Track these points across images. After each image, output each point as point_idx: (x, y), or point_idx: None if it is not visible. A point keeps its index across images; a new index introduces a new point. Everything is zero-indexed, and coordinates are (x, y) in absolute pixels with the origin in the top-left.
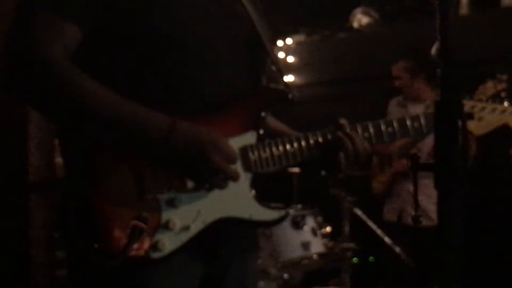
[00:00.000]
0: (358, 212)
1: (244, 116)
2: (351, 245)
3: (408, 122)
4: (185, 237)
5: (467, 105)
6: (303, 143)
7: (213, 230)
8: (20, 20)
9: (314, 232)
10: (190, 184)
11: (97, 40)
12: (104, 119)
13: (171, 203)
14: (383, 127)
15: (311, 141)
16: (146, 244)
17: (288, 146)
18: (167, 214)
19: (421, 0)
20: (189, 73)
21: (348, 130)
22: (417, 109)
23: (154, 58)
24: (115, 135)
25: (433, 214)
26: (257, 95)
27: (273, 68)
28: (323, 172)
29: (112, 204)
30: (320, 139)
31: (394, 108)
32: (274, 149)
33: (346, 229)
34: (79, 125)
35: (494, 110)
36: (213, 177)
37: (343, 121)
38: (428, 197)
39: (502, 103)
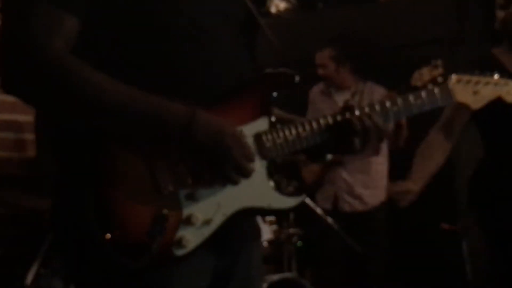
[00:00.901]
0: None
1: (254, 102)
2: (296, 230)
3: (436, 91)
4: (207, 231)
5: (463, 79)
6: (315, 126)
7: (233, 222)
8: (16, 13)
9: (262, 219)
10: (205, 178)
11: (95, 31)
12: (120, 111)
13: (191, 197)
14: (411, 99)
15: (323, 124)
16: (169, 241)
17: (300, 130)
18: (187, 209)
19: None
20: (194, 61)
21: (357, 111)
22: (342, 96)
23: (156, 48)
24: (131, 127)
25: (368, 199)
26: (265, 79)
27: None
28: (329, 156)
29: (130, 203)
30: (331, 121)
31: (317, 96)
32: (287, 133)
33: (291, 215)
34: (92, 119)
35: (488, 83)
36: (231, 171)
37: (351, 102)
38: (361, 182)
39: (492, 76)
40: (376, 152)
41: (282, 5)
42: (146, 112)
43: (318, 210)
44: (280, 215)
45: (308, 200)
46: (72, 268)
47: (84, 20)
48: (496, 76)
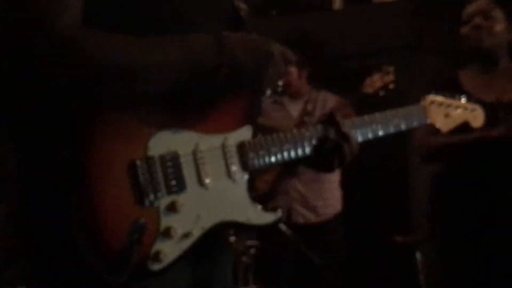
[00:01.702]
0: None
1: (239, 109)
2: (254, 242)
3: (412, 111)
4: (185, 245)
5: (437, 101)
6: (300, 142)
7: (210, 236)
8: None
9: None
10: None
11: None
12: (151, 55)
13: (171, 208)
14: (390, 117)
15: (309, 139)
16: (146, 255)
17: (285, 144)
18: (166, 221)
19: None
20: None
21: (344, 129)
22: (295, 105)
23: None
24: (168, 69)
25: (321, 210)
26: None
27: None
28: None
29: (108, 213)
30: (317, 139)
31: (269, 105)
32: (271, 145)
33: None
34: (126, 77)
35: (458, 107)
36: (278, 70)
37: (339, 118)
38: (316, 193)
39: (460, 99)
40: None
41: None
42: (177, 45)
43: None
44: (257, 231)
45: None
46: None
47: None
48: (463, 100)
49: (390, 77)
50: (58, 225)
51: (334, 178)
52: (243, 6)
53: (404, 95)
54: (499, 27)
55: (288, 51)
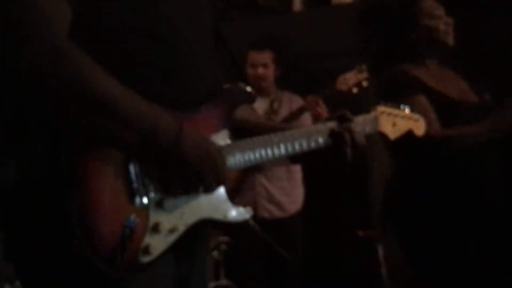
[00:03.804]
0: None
1: (216, 116)
2: (224, 238)
3: (365, 120)
4: (171, 239)
5: (386, 111)
6: (270, 144)
7: (192, 231)
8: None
9: None
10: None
11: (81, 29)
12: (115, 106)
13: (160, 205)
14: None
15: (277, 143)
16: (137, 249)
17: (258, 146)
18: (155, 217)
19: None
20: (170, 68)
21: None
22: (261, 103)
23: (136, 52)
24: (122, 124)
25: (287, 206)
26: (226, 93)
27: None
28: None
29: (101, 209)
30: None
31: None
32: (247, 149)
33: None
34: (86, 111)
35: (403, 117)
36: (212, 182)
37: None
38: (281, 189)
39: (404, 110)
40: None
41: None
42: (140, 112)
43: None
44: (234, 227)
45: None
46: (33, 275)
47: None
48: (407, 111)
49: (364, 75)
50: (56, 222)
51: (297, 176)
52: None
53: (364, 95)
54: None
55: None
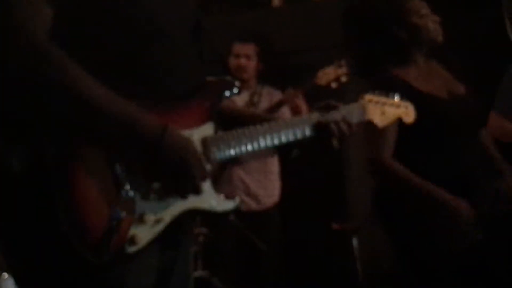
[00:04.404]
0: None
1: (202, 108)
2: (202, 230)
3: (352, 108)
4: (157, 229)
5: (374, 99)
6: (255, 137)
7: (177, 222)
8: None
9: None
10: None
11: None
12: (98, 108)
13: (145, 196)
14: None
15: (263, 133)
16: (123, 239)
17: (243, 138)
18: (141, 208)
19: None
20: (152, 62)
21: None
22: (241, 96)
23: (121, 47)
24: (105, 127)
25: (264, 199)
26: (211, 86)
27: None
28: None
29: (89, 200)
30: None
31: None
32: (231, 140)
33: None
34: (69, 112)
35: (392, 105)
36: (188, 188)
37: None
38: (257, 182)
39: (393, 97)
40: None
41: None
42: (123, 115)
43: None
44: (218, 217)
45: None
46: (25, 268)
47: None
48: (397, 98)
49: (343, 70)
50: (44, 213)
51: (275, 169)
52: None
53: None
54: None
55: (206, 171)
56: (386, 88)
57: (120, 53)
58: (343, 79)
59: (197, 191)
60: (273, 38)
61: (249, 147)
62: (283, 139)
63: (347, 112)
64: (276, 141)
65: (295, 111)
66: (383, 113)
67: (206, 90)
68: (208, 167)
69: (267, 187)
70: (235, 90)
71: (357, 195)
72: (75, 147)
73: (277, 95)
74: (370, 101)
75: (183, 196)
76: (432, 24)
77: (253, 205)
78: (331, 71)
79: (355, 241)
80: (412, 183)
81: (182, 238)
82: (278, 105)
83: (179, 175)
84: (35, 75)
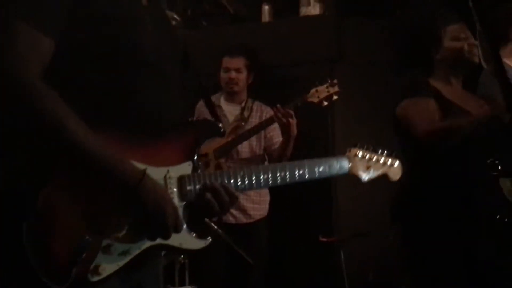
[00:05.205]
0: None
1: (182, 146)
2: None
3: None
4: (122, 261)
5: (360, 153)
6: (234, 178)
7: (146, 255)
8: None
9: None
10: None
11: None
12: (76, 150)
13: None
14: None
15: (242, 177)
16: (87, 268)
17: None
18: (108, 240)
19: (220, 5)
20: (142, 96)
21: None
22: (231, 110)
23: (109, 78)
24: (84, 167)
25: (252, 212)
26: (194, 126)
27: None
28: None
29: (58, 227)
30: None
31: (205, 109)
32: (207, 180)
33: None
34: (55, 151)
35: (378, 161)
36: (159, 234)
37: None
38: (248, 196)
39: (382, 153)
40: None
41: None
42: (104, 158)
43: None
44: (187, 254)
45: None
46: None
47: (57, 42)
48: (385, 154)
49: (335, 89)
50: (11, 237)
51: None
52: (176, 17)
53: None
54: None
55: (180, 221)
56: (415, 87)
57: (108, 85)
58: (335, 97)
59: (167, 238)
60: (262, 52)
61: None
62: (262, 183)
63: (331, 164)
64: (254, 184)
65: (285, 129)
66: (368, 168)
67: (189, 130)
68: (181, 211)
69: (256, 201)
70: (220, 132)
71: (345, 208)
72: (50, 176)
73: (267, 111)
74: (356, 155)
75: (152, 239)
76: (468, 47)
77: (242, 219)
78: (323, 89)
79: (342, 254)
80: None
81: (151, 258)
82: (268, 122)
83: (152, 221)
84: (25, 114)
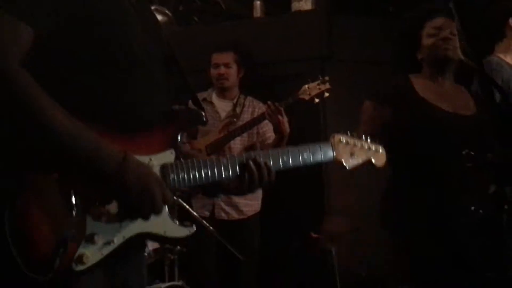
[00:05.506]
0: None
1: (164, 135)
2: None
3: (321, 148)
4: (106, 251)
5: (344, 140)
6: (218, 167)
7: (130, 244)
8: None
9: None
10: (114, 209)
11: (44, 46)
12: (59, 136)
13: (97, 218)
14: (300, 152)
15: (226, 166)
16: (71, 257)
17: (203, 168)
18: (91, 228)
19: (211, 1)
20: (129, 93)
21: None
22: (223, 106)
23: (94, 74)
24: (67, 153)
25: (244, 208)
26: (177, 114)
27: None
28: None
29: (40, 218)
30: (236, 164)
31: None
32: (191, 169)
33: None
34: (34, 142)
35: (362, 147)
36: (149, 211)
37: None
38: None
39: (366, 140)
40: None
41: (159, 18)
42: (86, 143)
43: (198, 217)
44: (172, 243)
45: (190, 208)
46: None
47: (38, 33)
48: (369, 141)
49: (327, 86)
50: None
51: None
52: (168, 13)
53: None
54: (458, 43)
55: (168, 195)
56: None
57: (95, 80)
58: (326, 94)
59: (158, 211)
60: (254, 48)
61: (209, 177)
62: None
63: (315, 151)
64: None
65: (277, 128)
66: (352, 154)
67: (172, 118)
68: (167, 191)
69: (248, 196)
70: (202, 120)
71: (336, 204)
72: (28, 175)
73: (259, 107)
74: (340, 141)
75: (146, 217)
76: (441, 42)
77: (234, 215)
78: (314, 86)
79: (333, 250)
80: None
81: (134, 254)
82: (260, 119)
83: (141, 198)
84: (3, 101)
